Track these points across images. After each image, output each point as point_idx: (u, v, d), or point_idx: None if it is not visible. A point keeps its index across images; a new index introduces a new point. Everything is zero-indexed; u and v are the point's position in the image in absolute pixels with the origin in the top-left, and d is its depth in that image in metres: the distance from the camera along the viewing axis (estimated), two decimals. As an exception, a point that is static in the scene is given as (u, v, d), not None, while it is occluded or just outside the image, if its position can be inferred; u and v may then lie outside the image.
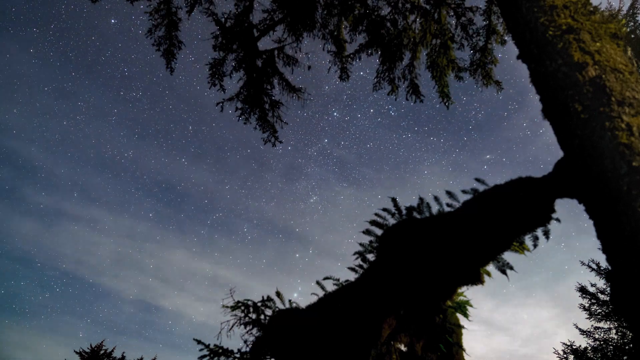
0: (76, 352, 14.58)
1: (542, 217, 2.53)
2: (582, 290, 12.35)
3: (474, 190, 3.09)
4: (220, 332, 3.40)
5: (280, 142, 6.60)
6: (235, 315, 3.46)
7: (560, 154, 2.08)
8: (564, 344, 12.19)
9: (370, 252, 3.90)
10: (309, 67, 6.25)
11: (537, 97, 2.10)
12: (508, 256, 3.36)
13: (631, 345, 10.94)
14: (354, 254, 3.98)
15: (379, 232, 3.88)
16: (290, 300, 3.60)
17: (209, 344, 3.32)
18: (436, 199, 3.63)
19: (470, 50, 6.30)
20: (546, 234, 2.99)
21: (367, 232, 3.97)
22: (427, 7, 6.02)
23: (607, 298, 11.84)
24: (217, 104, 6.21)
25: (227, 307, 3.49)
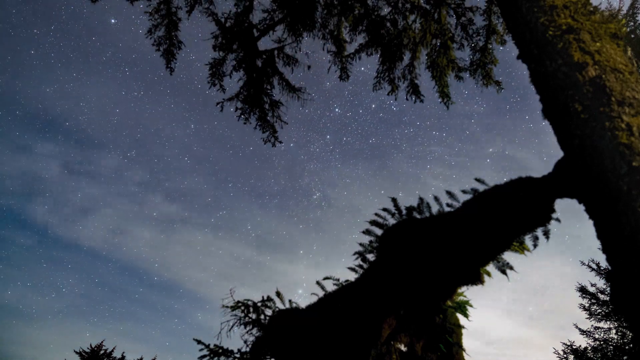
0: (76, 352, 14.58)
1: (542, 217, 2.53)
2: (582, 290, 12.34)
3: (474, 190, 3.09)
4: (220, 332, 3.40)
5: (280, 142, 6.60)
6: (235, 315, 3.46)
7: (560, 151, 2.08)
8: (564, 344, 12.19)
9: (370, 252, 3.90)
10: (309, 67, 6.25)
11: (538, 96, 2.10)
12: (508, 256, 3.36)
13: (631, 345, 10.94)
14: (354, 254, 3.98)
15: (379, 232, 3.88)
16: (290, 300, 3.60)
17: (209, 344, 3.32)
18: (436, 199, 3.63)
19: (470, 50, 6.30)
20: (546, 234, 2.99)
21: (367, 232, 3.97)
22: (427, 7, 6.02)
23: (607, 298, 11.84)
24: (217, 103, 6.22)
25: (227, 307, 3.49)
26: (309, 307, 3.21)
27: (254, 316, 3.43)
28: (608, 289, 11.94)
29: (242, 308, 3.47)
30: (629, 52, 2.00)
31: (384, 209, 3.92)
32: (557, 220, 2.66)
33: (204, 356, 3.30)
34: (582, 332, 12.03)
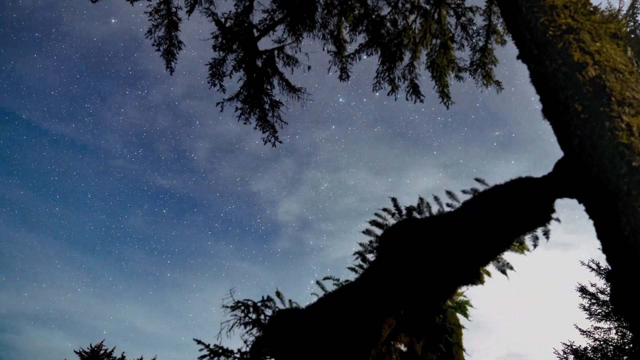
0: (76, 352, 14.57)
1: (542, 217, 2.53)
2: (582, 290, 12.34)
3: (474, 190, 3.09)
4: (220, 332, 3.40)
5: (280, 142, 6.59)
6: (235, 315, 3.46)
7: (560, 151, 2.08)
8: (564, 344, 12.18)
9: (370, 252, 3.90)
10: (309, 68, 6.25)
11: (538, 96, 2.10)
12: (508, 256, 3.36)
13: (631, 345, 10.94)
14: (354, 254, 3.98)
15: (379, 232, 3.88)
16: (290, 300, 3.60)
17: (209, 344, 3.32)
18: (436, 199, 3.63)
19: (470, 50, 6.30)
20: (546, 234, 3.00)
21: (367, 232, 3.97)
22: (427, 7, 6.02)
23: (607, 298, 11.84)
24: (217, 104, 6.21)
25: (227, 307, 3.49)
26: (309, 307, 3.21)
27: (254, 316, 3.43)
28: (608, 289, 11.94)
29: (242, 308, 3.47)
30: (629, 52, 2.00)
31: (384, 209, 3.92)
32: (557, 220, 2.67)
33: (204, 356, 3.30)
34: (582, 332, 12.02)
